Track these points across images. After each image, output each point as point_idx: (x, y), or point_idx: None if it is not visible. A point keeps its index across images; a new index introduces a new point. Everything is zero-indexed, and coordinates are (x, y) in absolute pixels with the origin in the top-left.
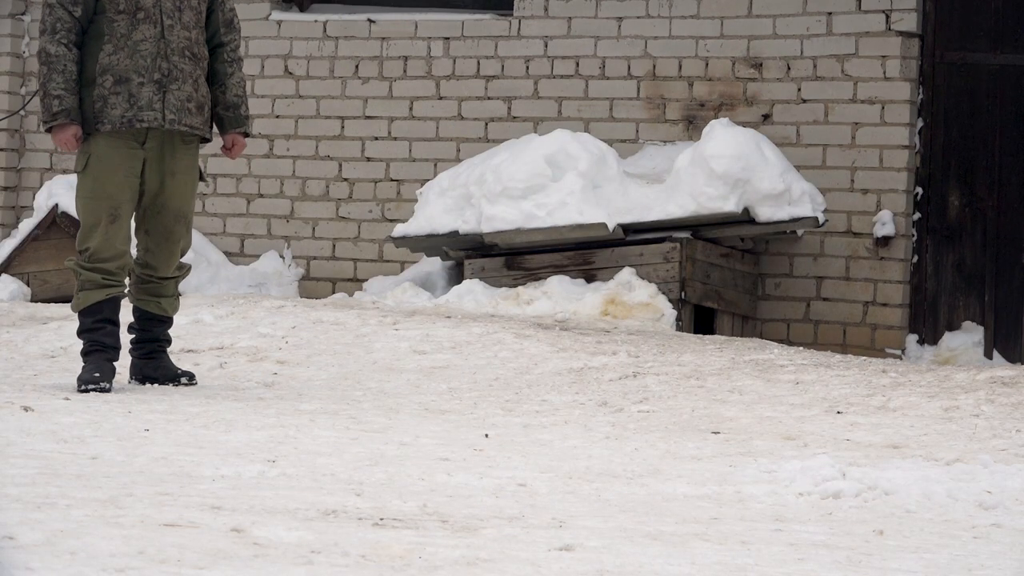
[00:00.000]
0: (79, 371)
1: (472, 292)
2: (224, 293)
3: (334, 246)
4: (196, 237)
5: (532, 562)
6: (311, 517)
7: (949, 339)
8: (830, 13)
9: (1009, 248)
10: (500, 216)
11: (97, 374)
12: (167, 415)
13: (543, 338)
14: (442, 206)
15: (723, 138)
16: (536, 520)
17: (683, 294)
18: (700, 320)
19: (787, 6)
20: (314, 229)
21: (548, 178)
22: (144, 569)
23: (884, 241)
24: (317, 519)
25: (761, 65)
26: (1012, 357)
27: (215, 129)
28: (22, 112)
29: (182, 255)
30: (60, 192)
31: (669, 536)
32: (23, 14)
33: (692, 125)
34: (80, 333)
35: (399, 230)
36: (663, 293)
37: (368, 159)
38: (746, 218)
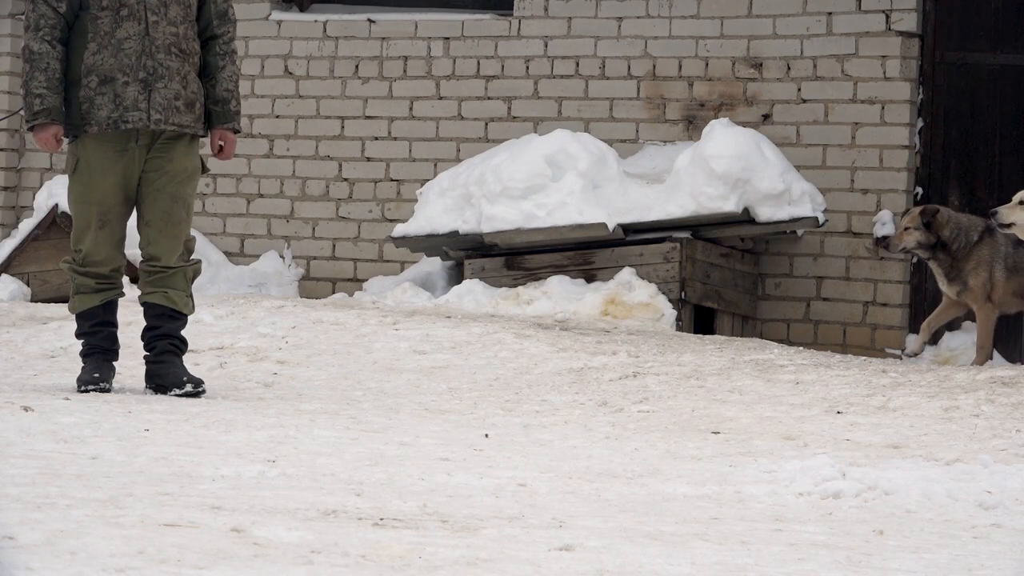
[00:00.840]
0: (79, 372)
1: (472, 292)
2: (224, 293)
3: (334, 246)
4: (196, 237)
5: (532, 562)
6: (311, 517)
7: (949, 339)
8: (830, 13)
9: None
10: (500, 216)
11: (96, 374)
12: (167, 415)
13: (543, 338)
14: (442, 206)
15: (723, 138)
16: (536, 520)
17: (683, 294)
18: (700, 320)
19: (787, 6)
20: (314, 229)
21: (548, 178)
22: (144, 569)
23: (883, 241)
24: (317, 519)
25: (761, 65)
26: (1012, 357)
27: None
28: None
29: (188, 251)
30: (60, 192)
31: (669, 536)
32: (23, 14)
33: (692, 125)
34: (78, 336)
35: (399, 230)
36: (663, 293)
37: (368, 159)
38: (746, 218)
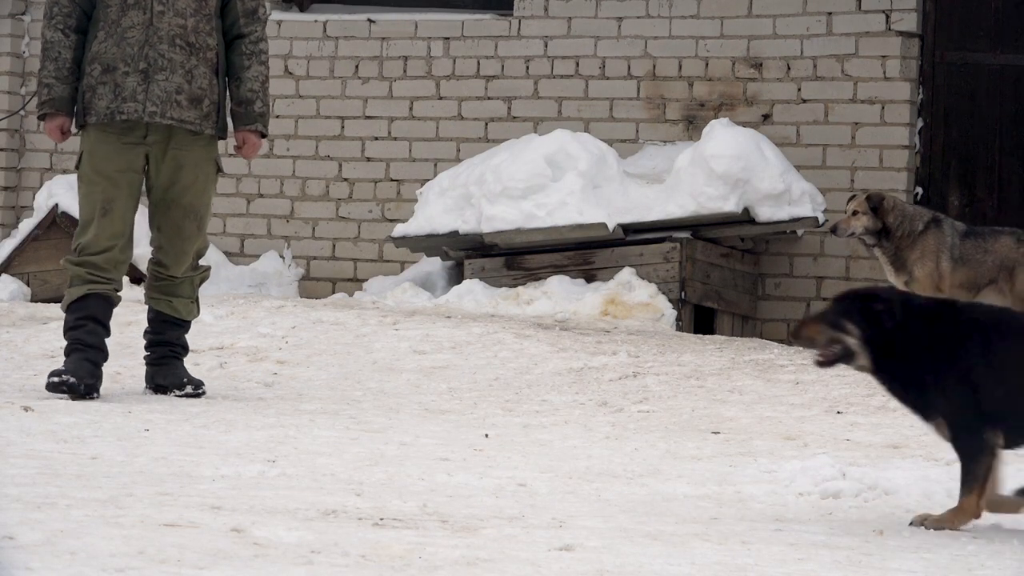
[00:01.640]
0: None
1: (472, 292)
2: (224, 293)
3: (334, 246)
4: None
5: (532, 562)
6: (311, 517)
7: None
8: (830, 13)
9: None
10: (500, 216)
11: (67, 372)
12: (167, 415)
13: (543, 338)
14: (442, 206)
15: (723, 138)
16: (536, 520)
17: (683, 294)
18: (700, 320)
19: (787, 6)
20: (314, 229)
21: (548, 178)
22: (144, 569)
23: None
24: (317, 519)
25: (761, 65)
26: None
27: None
28: (22, 112)
29: (199, 257)
30: (60, 192)
31: (669, 536)
32: (23, 14)
33: (692, 125)
34: (64, 331)
35: (399, 230)
36: (663, 293)
37: (368, 159)
38: (746, 218)
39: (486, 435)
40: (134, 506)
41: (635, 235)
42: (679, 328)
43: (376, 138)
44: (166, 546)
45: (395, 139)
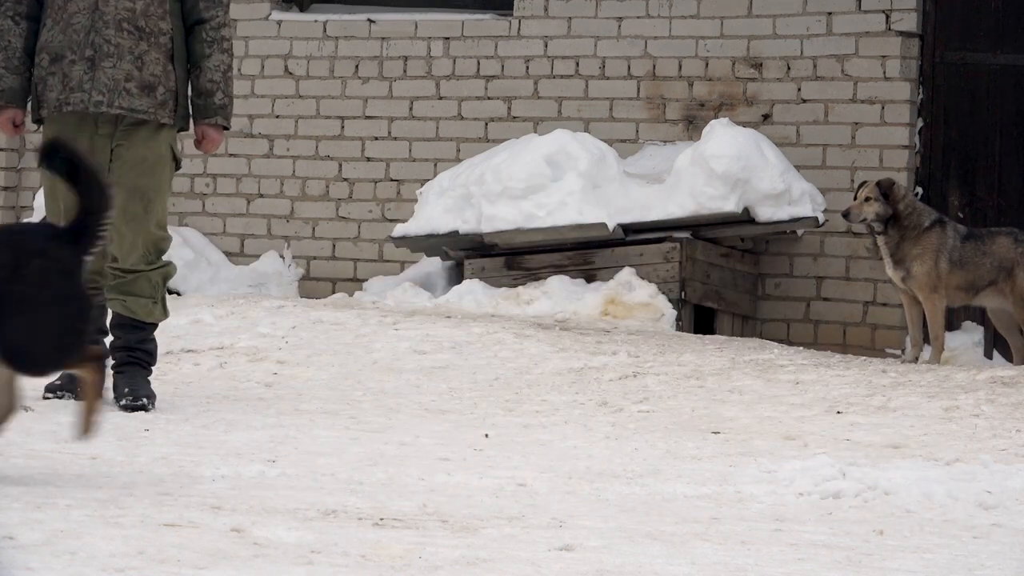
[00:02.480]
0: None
1: (472, 292)
2: (224, 293)
3: (334, 246)
4: (196, 237)
5: (532, 562)
6: (311, 517)
7: (949, 339)
8: (830, 13)
9: None
10: (500, 216)
11: (62, 388)
12: (167, 415)
13: (543, 338)
14: (442, 206)
15: (723, 138)
16: (536, 520)
17: (683, 294)
18: (700, 320)
19: (787, 6)
20: (314, 229)
21: (548, 178)
22: (144, 569)
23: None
24: (317, 519)
25: (761, 65)
26: (1011, 357)
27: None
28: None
29: (158, 251)
30: None
31: (669, 536)
32: None
33: (692, 125)
34: None
35: (399, 230)
36: (663, 293)
37: (368, 159)
38: (746, 218)
39: (486, 435)
40: (134, 506)
41: (635, 235)
42: (679, 328)
43: (376, 138)
44: (166, 546)
45: (395, 139)
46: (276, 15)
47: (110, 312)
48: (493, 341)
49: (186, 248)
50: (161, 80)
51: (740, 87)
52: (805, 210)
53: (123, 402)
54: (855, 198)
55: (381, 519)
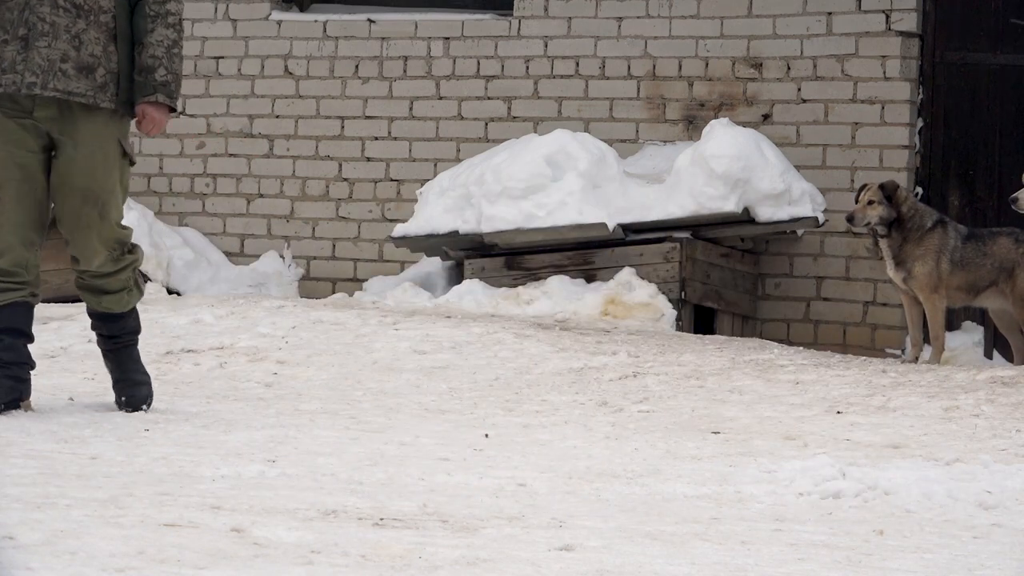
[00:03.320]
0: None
1: (472, 292)
2: (224, 293)
3: (334, 246)
4: (196, 237)
5: (532, 562)
6: (311, 517)
7: (949, 339)
8: (830, 13)
9: None
10: (500, 216)
11: None
12: (167, 415)
13: (543, 338)
14: (442, 206)
15: (723, 138)
16: (536, 520)
17: (683, 294)
18: (700, 320)
19: (787, 6)
20: (314, 229)
21: (548, 178)
22: (144, 569)
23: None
24: (317, 519)
25: (761, 65)
26: (1011, 357)
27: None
28: None
29: (122, 248)
30: None
31: (669, 536)
32: None
33: (692, 125)
34: None
35: (399, 230)
36: (663, 293)
37: (368, 159)
38: (746, 218)
39: (486, 435)
40: (134, 506)
41: (635, 235)
42: (679, 328)
43: (376, 138)
44: (166, 546)
45: (395, 139)
46: (276, 15)
47: (85, 304)
48: (493, 341)
49: (186, 248)
50: (101, 61)
51: (740, 87)
52: (805, 210)
53: (123, 411)
54: (856, 201)
55: (381, 519)
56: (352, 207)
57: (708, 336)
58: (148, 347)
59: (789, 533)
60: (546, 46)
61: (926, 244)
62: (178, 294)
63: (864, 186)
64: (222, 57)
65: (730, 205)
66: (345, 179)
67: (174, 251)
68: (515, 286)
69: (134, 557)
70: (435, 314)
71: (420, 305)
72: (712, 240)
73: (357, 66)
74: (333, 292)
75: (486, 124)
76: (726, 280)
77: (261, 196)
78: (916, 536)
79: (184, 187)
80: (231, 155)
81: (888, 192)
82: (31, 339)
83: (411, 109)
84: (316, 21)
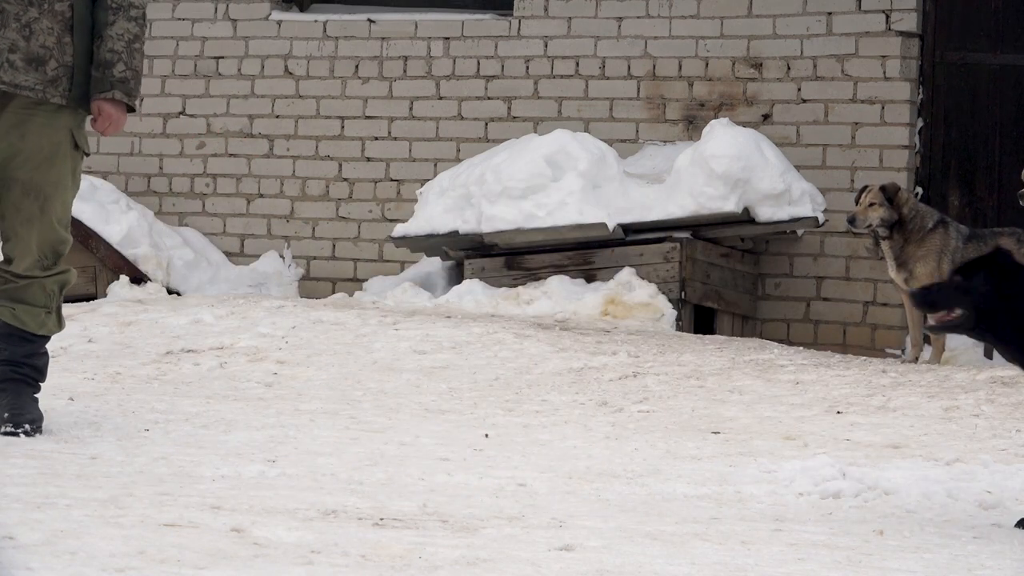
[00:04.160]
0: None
1: (472, 292)
2: (224, 293)
3: (334, 246)
4: (196, 237)
5: (532, 562)
6: (311, 517)
7: (949, 339)
8: (830, 13)
9: None
10: (500, 216)
11: None
12: (167, 415)
13: (543, 338)
14: (442, 206)
15: (723, 138)
16: (536, 520)
17: (683, 294)
18: (700, 320)
19: (787, 6)
20: (314, 229)
21: (548, 178)
22: (144, 569)
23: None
24: (317, 519)
25: (761, 65)
26: None
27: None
28: None
29: (55, 255)
30: None
31: (669, 536)
32: None
33: (692, 125)
34: None
35: (399, 230)
36: (663, 293)
37: (368, 159)
38: (746, 218)
39: (486, 435)
40: (134, 506)
41: (635, 235)
42: (679, 328)
43: (376, 138)
44: (166, 546)
45: (395, 139)
46: (276, 15)
47: None
48: (493, 341)
49: (186, 248)
50: (53, 53)
51: (740, 87)
52: (805, 210)
53: (3, 429)
54: (857, 202)
55: (381, 519)
56: (352, 207)
57: (708, 336)
58: (148, 347)
59: (789, 533)
60: (546, 46)
61: (927, 245)
62: (178, 294)
63: (865, 188)
64: (222, 57)
65: (730, 205)
66: (345, 179)
67: (174, 251)
68: (515, 286)
69: (134, 557)
70: (435, 314)
71: (420, 305)
72: (712, 240)
73: (357, 66)
74: (333, 292)
75: (486, 124)
76: (726, 280)
77: (261, 196)
78: (916, 536)
79: (184, 187)
80: (231, 155)
81: (889, 194)
82: None
83: (411, 109)
84: (316, 21)
